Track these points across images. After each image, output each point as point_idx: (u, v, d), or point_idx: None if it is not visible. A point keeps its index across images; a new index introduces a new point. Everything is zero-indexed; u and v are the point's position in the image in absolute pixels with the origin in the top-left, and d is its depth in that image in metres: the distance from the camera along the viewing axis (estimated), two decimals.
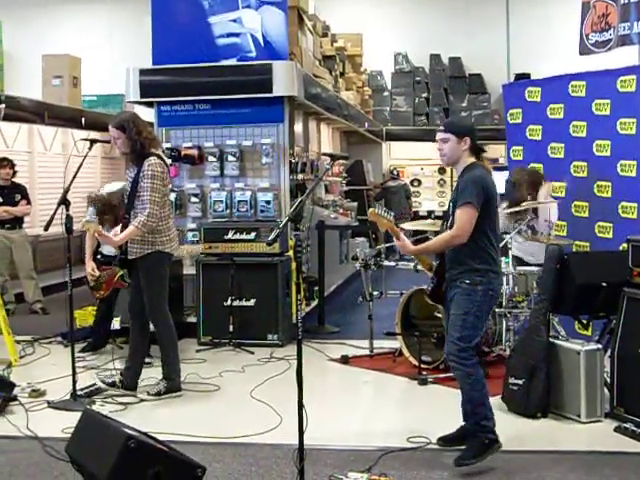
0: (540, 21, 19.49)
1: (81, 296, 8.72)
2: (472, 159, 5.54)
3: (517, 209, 8.11)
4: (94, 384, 7.19)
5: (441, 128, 5.58)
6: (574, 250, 8.30)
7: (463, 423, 5.60)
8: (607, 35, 9.41)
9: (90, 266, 8.36)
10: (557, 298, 6.61)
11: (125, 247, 6.99)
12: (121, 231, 6.98)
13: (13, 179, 11.40)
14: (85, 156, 7.06)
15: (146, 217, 6.79)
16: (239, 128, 9.82)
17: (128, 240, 6.92)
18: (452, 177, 20.78)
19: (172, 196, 8.41)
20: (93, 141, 7.18)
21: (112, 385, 7.13)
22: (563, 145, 8.76)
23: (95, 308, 9.07)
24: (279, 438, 5.89)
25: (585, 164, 8.47)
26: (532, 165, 8.94)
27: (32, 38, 17.84)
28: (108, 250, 8.49)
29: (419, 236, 7.84)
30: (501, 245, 8.00)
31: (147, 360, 7.65)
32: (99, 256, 8.69)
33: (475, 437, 5.41)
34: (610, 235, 8.14)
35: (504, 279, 7.75)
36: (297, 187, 10.31)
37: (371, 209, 5.45)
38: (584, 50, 9.68)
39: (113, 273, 7.88)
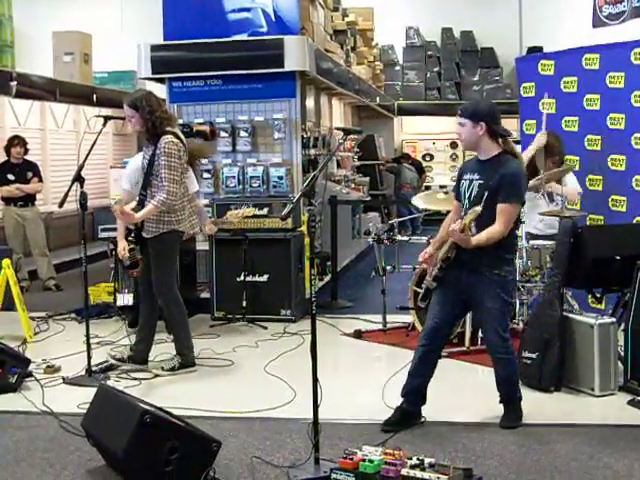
0: None
1: (95, 273, 8.74)
2: (497, 145, 5.56)
3: (532, 182, 8.03)
4: (107, 360, 7.23)
5: (459, 112, 5.60)
6: (588, 223, 8.27)
7: (400, 403, 5.69)
8: (621, 7, 9.35)
9: (122, 245, 8.33)
10: (571, 272, 6.60)
11: (141, 223, 7.00)
12: (135, 210, 6.97)
13: (25, 156, 11.41)
14: (99, 132, 7.05)
15: (165, 196, 6.78)
16: (251, 103, 9.80)
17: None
18: (464, 151, 20.72)
19: (187, 174, 8.37)
20: (107, 117, 7.16)
21: (121, 360, 7.16)
22: (577, 118, 8.71)
23: (110, 285, 9.07)
24: (293, 412, 5.91)
25: (599, 137, 8.42)
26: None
27: (42, 15, 17.78)
28: None
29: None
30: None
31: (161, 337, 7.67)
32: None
33: (510, 404, 5.68)
34: (624, 209, 8.10)
35: (517, 253, 7.75)
36: (309, 162, 10.28)
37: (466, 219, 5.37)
38: (597, 22, 9.62)
39: None
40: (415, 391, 5.70)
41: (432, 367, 5.72)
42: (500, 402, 5.70)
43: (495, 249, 5.44)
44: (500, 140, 5.59)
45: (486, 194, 5.40)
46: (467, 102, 6.02)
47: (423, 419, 5.71)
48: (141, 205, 6.96)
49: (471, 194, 5.55)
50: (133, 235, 7.13)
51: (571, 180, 8.12)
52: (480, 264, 5.46)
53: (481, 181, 5.51)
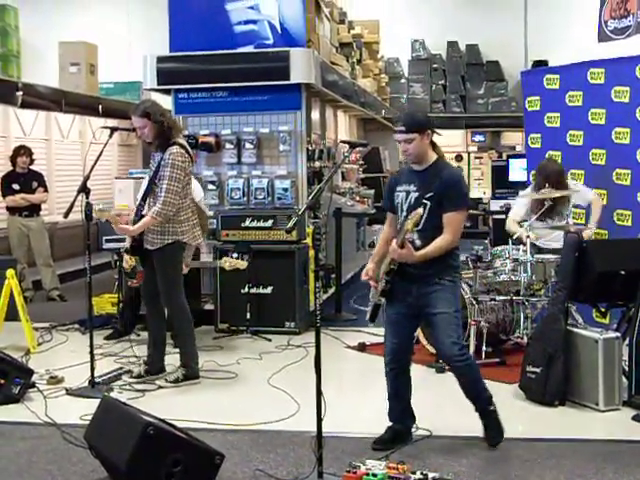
0: (558, 8, 19.35)
1: (99, 283, 8.74)
2: (433, 152, 5.46)
3: (538, 196, 8.05)
4: (113, 371, 7.23)
5: (402, 128, 5.37)
6: (593, 238, 8.26)
7: (390, 424, 5.65)
8: (626, 22, 9.35)
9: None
10: (575, 286, 6.58)
11: (140, 235, 7.00)
12: (133, 221, 6.99)
13: (30, 166, 11.43)
14: (105, 144, 7.06)
15: (161, 206, 6.79)
16: (256, 115, 9.80)
17: (145, 229, 6.93)
18: (469, 164, 20.78)
19: (192, 185, 8.38)
20: (114, 129, 7.20)
21: (140, 377, 7.17)
22: (582, 133, 8.72)
23: (114, 295, 9.08)
24: (297, 425, 5.90)
25: (604, 152, 8.43)
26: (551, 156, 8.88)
27: (49, 25, 17.82)
28: None
29: None
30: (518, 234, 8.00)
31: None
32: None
33: (485, 413, 5.54)
34: (629, 223, 8.10)
35: (522, 267, 7.74)
36: (314, 174, 10.29)
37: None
38: (603, 37, 9.63)
39: None
40: (401, 413, 5.68)
41: (408, 385, 5.69)
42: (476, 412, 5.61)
43: (445, 258, 5.36)
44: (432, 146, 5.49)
45: (428, 205, 5.30)
46: (401, 115, 5.88)
47: (429, 433, 5.70)
48: (138, 214, 6.97)
49: (409, 206, 5.40)
50: (130, 247, 7.12)
51: (583, 189, 8.17)
52: (429, 275, 5.35)
53: (419, 192, 5.37)
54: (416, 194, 5.38)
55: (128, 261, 7.98)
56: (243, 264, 8.39)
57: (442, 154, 5.54)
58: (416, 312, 5.50)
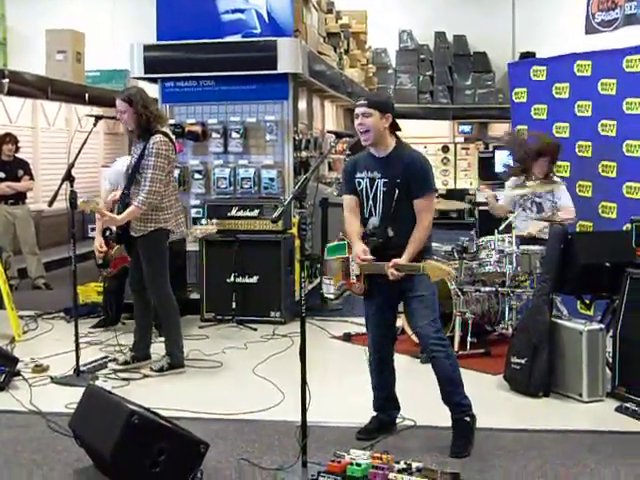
0: None
1: (84, 272, 8.72)
2: (394, 138, 5.41)
3: (522, 192, 8.08)
4: (97, 360, 7.23)
5: (363, 102, 5.33)
6: (577, 230, 8.30)
7: (375, 413, 5.66)
8: (613, 14, 9.39)
9: (99, 242, 8.34)
10: (560, 278, 6.61)
11: (126, 223, 6.99)
12: (118, 209, 6.99)
13: (16, 154, 11.39)
14: (90, 132, 7.04)
15: (145, 195, 6.79)
16: (243, 105, 9.79)
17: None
18: (455, 155, 20.78)
19: (175, 172, 8.38)
20: (98, 117, 7.17)
21: (127, 363, 7.19)
22: (568, 125, 8.74)
23: (100, 284, 9.08)
24: (282, 415, 5.91)
25: (590, 144, 8.45)
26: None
27: (35, 13, 17.74)
28: None
29: None
30: (506, 224, 8.03)
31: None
32: (108, 233, 8.65)
33: (458, 422, 5.37)
34: (614, 215, 8.13)
35: (507, 258, 7.76)
36: (301, 164, 10.28)
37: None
38: (590, 29, 9.66)
39: (123, 251, 7.90)
40: (385, 402, 5.69)
41: (392, 375, 5.70)
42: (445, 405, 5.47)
43: None
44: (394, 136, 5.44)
45: (397, 192, 5.25)
46: (370, 93, 5.83)
47: (413, 423, 5.72)
48: (123, 203, 6.97)
49: (376, 194, 5.35)
50: (114, 234, 7.12)
51: (565, 198, 8.14)
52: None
53: (386, 179, 5.30)
54: (382, 180, 5.31)
55: (99, 250, 7.99)
56: (213, 228, 8.31)
57: (401, 139, 5.47)
58: (394, 301, 5.51)
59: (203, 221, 8.73)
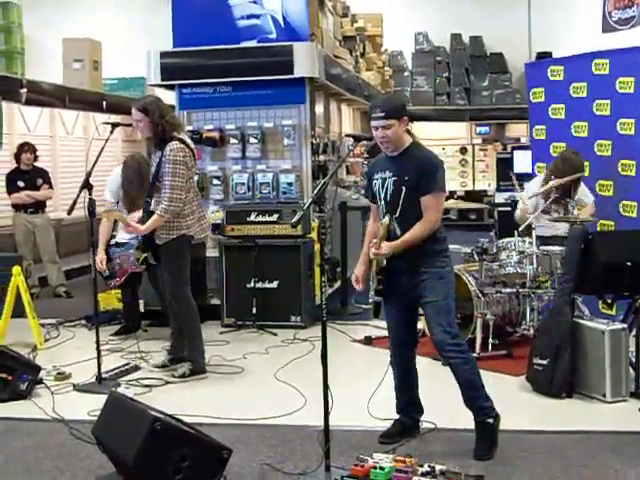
0: None
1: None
2: (408, 136, 5.40)
3: (542, 189, 8.02)
4: (119, 367, 7.26)
5: (381, 114, 5.25)
6: (598, 229, 8.25)
7: (398, 416, 5.65)
8: (630, 12, 9.34)
9: (100, 257, 8.35)
10: (581, 278, 6.57)
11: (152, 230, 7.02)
12: (142, 218, 7.02)
13: (35, 163, 11.43)
14: (107, 140, 7.06)
15: (167, 203, 6.81)
16: (260, 110, 9.80)
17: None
18: (474, 157, 20.73)
19: (194, 179, 8.40)
20: (115, 124, 7.19)
21: (164, 366, 7.30)
22: (587, 124, 8.69)
23: (119, 292, 9.10)
24: (304, 419, 5.90)
25: (609, 143, 8.40)
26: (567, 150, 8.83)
27: (52, 22, 17.83)
28: (122, 237, 8.53)
29: None
30: (525, 224, 7.99)
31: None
32: (112, 242, 8.67)
33: (481, 425, 5.33)
34: (634, 214, 8.08)
35: (527, 259, 7.74)
36: (319, 168, 10.27)
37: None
38: (607, 27, 9.61)
39: (128, 259, 7.92)
40: (408, 405, 5.68)
41: (414, 377, 5.69)
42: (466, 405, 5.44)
43: (427, 245, 5.27)
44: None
45: (404, 190, 5.23)
46: (379, 101, 5.75)
47: (433, 426, 5.71)
48: (145, 211, 6.99)
49: (387, 193, 5.35)
50: (142, 242, 7.14)
51: (588, 197, 8.07)
52: (416, 265, 5.28)
53: (395, 177, 5.29)
54: (392, 179, 5.31)
55: (99, 266, 7.99)
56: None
57: (416, 138, 5.47)
58: (411, 303, 5.47)
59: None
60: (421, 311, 5.59)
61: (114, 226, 8.66)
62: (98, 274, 8.26)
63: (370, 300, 5.58)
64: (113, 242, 8.67)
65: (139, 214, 7.44)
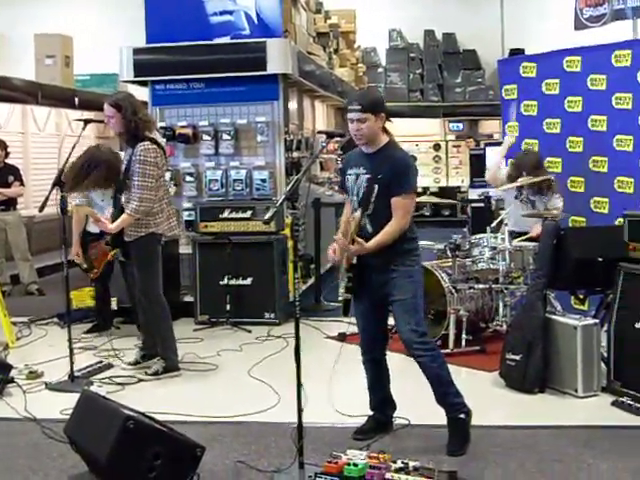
0: None
1: (77, 277, 8.69)
2: (385, 135, 5.39)
3: (510, 185, 8.07)
4: (92, 365, 7.22)
5: (357, 107, 5.22)
6: (570, 225, 8.30)
7: (371, 413, 5.66)
8: (601, 9, 9.40)
9: (75, 250, 8.31)
10: (554, 273, 6.61)
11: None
12: (113, 214, 6.98)
13: (6, 160, 11.35)
14: (79, 136, 7.03)
15: (138, 203, 6.78)
16: (233, 106, 9.77)
17: None
18: (447, 153, 20.79)
19: (167, 175, 8.35)
20: (87, 121, 7.16)
21: (137, 363, 7.28)
22: (559, 120, 8.73)
23: (92, 289, 9.06)
24: (278, 417, 5.91)
25: (581, 139, 8.45)
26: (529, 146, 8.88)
27: (23, 18, 17.72)
28: (94, 228, 8.46)
29: None
30: (497, 221, 8.04)
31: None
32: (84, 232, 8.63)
33: (453, 420, 5.35)
34: (606, 210, 8.14)
35: (500, 255, 7.77)
36: (292, 165, 10.26)
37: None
38: (579, 25, 9.66)
39: (101, 249, 7.88)
40: (381, 402, 5.69)
41: (386, 374, 5.69)
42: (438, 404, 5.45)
43: (397, 244, 5.26)
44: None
45: (376, 188, 5.22)
46: (356, 94, 5.69)
47: (407, 422, 5.72)
48: (116, 207, 6.96)
49: (359, 190, 5.33)
50: (111, 239, 7.10)
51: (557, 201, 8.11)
52: (386, 262, 5.27)
53: (369, 175, 5.27)
54: (366, 176, 5.29)
55: (77, 258, 7.96)
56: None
57: (393, 138, 5.45)
58: (380, 301, 5.46)
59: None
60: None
61: (86, 220, 8.58)
62: (78, 267, 8.24)
63: (340, 298, 5.58)
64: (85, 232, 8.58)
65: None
